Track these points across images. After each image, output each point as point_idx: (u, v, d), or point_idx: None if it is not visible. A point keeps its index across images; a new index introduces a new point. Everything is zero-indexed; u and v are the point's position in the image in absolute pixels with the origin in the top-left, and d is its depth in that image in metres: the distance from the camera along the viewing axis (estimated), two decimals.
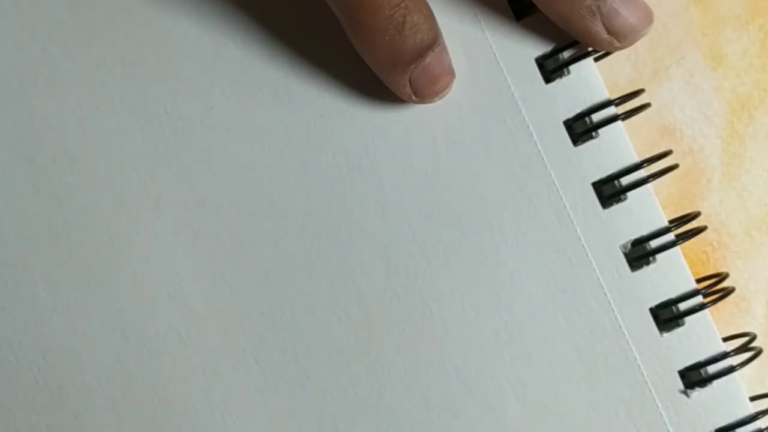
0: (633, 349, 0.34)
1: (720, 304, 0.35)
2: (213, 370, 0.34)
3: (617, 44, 0.34)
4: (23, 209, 0.35)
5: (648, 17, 0.34)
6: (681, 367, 0.34)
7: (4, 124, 0.35)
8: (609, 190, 0.34)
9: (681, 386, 0.34)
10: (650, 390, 0.34)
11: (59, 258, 0.35)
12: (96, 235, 0.35)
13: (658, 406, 0.34)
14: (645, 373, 0.34)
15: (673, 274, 0.34)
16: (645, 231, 0.34)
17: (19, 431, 0.34)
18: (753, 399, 0.34)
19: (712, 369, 0.34)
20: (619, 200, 0.34)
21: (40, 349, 0.34)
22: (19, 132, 0.35)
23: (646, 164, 0.34)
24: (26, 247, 0.35)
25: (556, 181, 0.34)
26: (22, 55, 0.35)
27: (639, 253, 0.34)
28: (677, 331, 0.34)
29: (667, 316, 0.34)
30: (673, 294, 0.34)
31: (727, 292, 0.35)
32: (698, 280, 0.35)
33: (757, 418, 0.34)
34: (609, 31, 0.33)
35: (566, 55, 0.34)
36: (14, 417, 0.34)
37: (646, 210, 0.34)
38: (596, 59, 0.35)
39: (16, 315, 0.35)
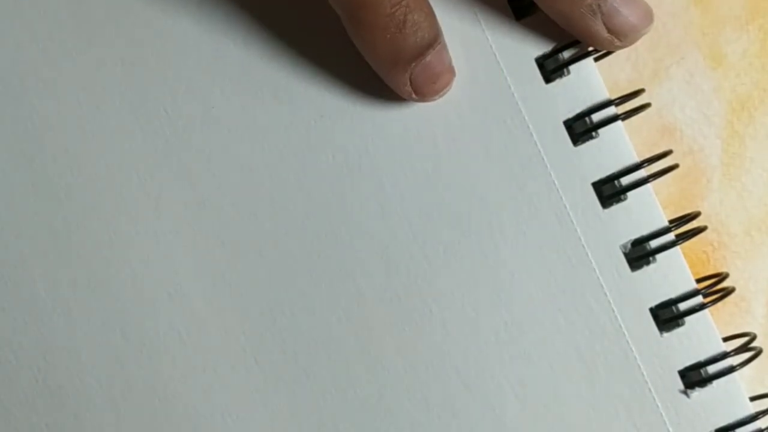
0: (633, 349, 0.34)
1: (720, 304, 0.35)
2: (213, 370, 0.34)
3: (617, 43, 0.34)
4: (23, 209, 0.35)
5: (648, 16, 0.34)
6: (681, 367, 0.34)
7: (4, 124, 0.35)
8: (609, 190, 0.34)
9: (681, 386, 0.34)
10: (650, 390, 0.34)
11: (59, 258, 0.35)
12: (96, 235, 0.35)
13: (658, 406, 0.34)
14: (645, 373, 0.34)
15: (673, 274, 0.34)
16: (645, 231, 0.34)
17: (19, 431, 0.34)
18: (753, 399, 0.34)
19: (712, 369, 0.34)
20: (619, 200, 0.34)
21: (40, 349, 0.34)
22: (19, 132, 0.35)
23: (646, 164, 0.34)
24: (26, 247, 0.35)
25: (556, 181, 0.34)
26: (22, 55, 0.35)
27: (639, 253, 0.34)
28: (677, 331, 0.34)
29: (667, 316, 0.34)
30: (673, 294, 0.34)
31: (727, 292, 0.35)
32: (698, 280, 0.35)
33: (757, 418, 0.34)
34: (609, 30, 0.33)
35: (566, 55, 0.34)
36: (14, 417, 0.34)
37: (646, 210, 0.34)
38: (596, 59, 0.35)
39: (16, 315, 0.35)
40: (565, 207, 0.34)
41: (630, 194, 0.34)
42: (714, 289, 0.35)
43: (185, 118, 0.35)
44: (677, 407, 0.34)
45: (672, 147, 0.37)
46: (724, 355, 0.34)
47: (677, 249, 0.34)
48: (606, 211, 0.34)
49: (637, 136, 0.39)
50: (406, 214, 0.34)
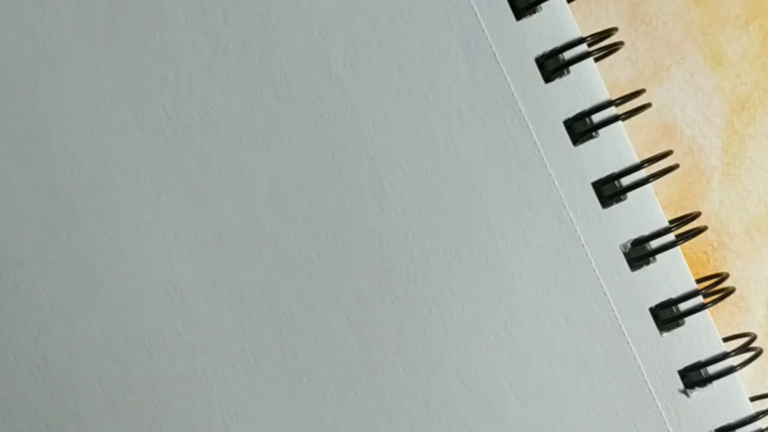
0: (633, 349, 0.34)
1: (720, 304, 0.35)
2: (213, 370, 0.34)
3: None
4: (23, 209, 0.35)
5: None
6: (681, 367, 0.34)
7: (4, 124, 0.35)
8: (609, 190, 0.34)
9: (681, 386, 0.34)
10: (650, 390, 0.34)
11: (59, 258, 0.35)
12: (96, 235, 0.35)
13: (658, 406, 0.34)
14: (645, 373, 0.34)
15: (673, 274, 0.34)
16: (645, 231, 0.34)
17: (19, 431, 0.34)
18: (753, 399, 0.34)
19: (712, 369, 0.34)
20: (619, 200, 0.34)
21: (40, 349, 0.34)
22: (19, 132, 0.35)
23: (646, 164, 0.34)
24: (26, 247, 0.35)
25: (556, 181, 0.34)
26: (22, 55, 0.35)
27: (639, 253, 0.34)
28: (677, 331, 0.34)
29: (667, 316, 0.34)
30: (673, 294, 0.34)
31: (728, 292, 0.35)
32: (698, 280, 0.35)
33: (757, 419, 0.34)
34: None
35: (566, 55, 0.34)
36: (14, 417, 0.34)
37: (647, 210, 0.34)
38: (596, 59, 0.35)
39: (16, 315, 0.35)
40: (565, 207, 0.34)
41: (630, 194, 0.34)
42: (714, 289, 0.35)
43: (185, 118, 0.35)
44: (677, 407, 0.34)
45: (672, 147, 0.37)
46: (725, 356, 0.34)
47: (677, 249, 0.34)
48: (606, 211, 0.34)
49: (637, 136, 0.39)
50: (406, 214, 0.34)
